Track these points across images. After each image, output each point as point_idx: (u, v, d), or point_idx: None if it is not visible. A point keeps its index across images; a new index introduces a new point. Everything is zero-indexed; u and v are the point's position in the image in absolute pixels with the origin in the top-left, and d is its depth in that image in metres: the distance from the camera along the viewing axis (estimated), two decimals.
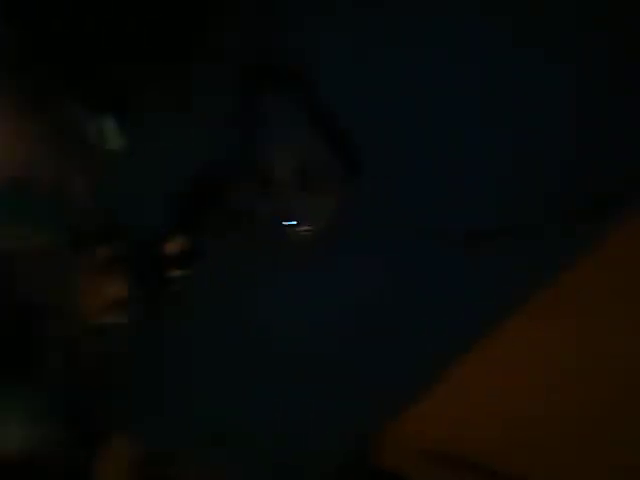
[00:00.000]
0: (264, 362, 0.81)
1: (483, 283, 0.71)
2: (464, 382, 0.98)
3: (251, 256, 0.70)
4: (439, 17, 0.61)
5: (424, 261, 0.71)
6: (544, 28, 0.58)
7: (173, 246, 0.71)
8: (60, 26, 0.63)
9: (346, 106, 0.67)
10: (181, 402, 0.87)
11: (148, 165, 0.72)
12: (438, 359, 0.78)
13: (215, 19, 0.68)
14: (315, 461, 0.89)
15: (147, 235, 0.72)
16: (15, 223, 0.66)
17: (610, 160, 0.62)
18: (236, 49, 0.69)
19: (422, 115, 0.65)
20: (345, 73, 0.66)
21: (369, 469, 1.24)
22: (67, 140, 0.65)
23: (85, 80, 0.66)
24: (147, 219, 0.72)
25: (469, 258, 0.68)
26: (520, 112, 0.61)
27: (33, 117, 0.63)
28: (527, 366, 0.97)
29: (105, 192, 0.72)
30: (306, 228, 0.68)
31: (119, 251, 0.72)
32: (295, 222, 0.68)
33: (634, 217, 0.64)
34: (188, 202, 0.71)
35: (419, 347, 0.76)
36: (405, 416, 0.86)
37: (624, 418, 0.83)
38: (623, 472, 0.84)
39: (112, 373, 0.83)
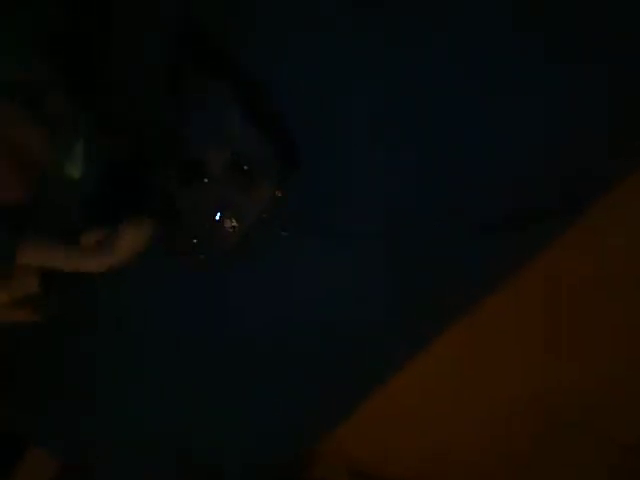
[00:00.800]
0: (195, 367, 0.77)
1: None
2: (392, 405, 0.96)
3: (174, 252, 0.66)
4: None
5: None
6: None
7: (88, 238, 0.66)
8: None
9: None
10: (103, 411, 0.83)
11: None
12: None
13: None
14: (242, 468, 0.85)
15: (62, 227, 0.67)
16: None
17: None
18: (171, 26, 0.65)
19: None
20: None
21: None
22: None
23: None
24: (61, 210, 0.67)
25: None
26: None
27: None
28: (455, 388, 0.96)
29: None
30: (233, 224, 0.64)
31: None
32: (221, 216, 0.64)
33: None
34: (107, 193, 0.66)
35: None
36: (338, 433, 0.84)
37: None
38: None
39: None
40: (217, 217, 0.64)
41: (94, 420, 0.82)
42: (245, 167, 0.63)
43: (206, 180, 0.63)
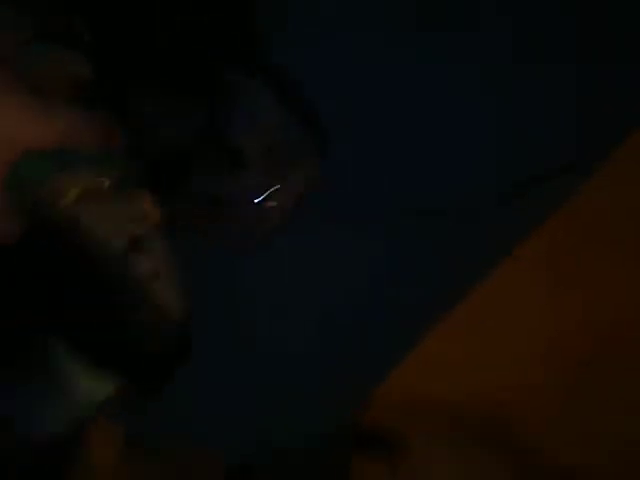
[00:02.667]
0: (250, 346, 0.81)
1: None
2: (448, 336, 1.00)
3: (219, 242, 0.69)
4: None
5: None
6: None
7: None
8: None
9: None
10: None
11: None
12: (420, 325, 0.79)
13: None
14: (303, 435, 0.90)
15: None
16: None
17: None
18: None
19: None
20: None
21: (356, 429, 1.27)
22: None
23: None
24: None
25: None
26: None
27: None
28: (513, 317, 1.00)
29: None
30: (273, 207, 0.66)
31: None
32: (262, 201, 0.66)
33: None
34: (151, 183, 0.68)
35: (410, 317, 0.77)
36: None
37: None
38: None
39: None
40: (258, 202, 0.66)
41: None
42: (281, 152, 0.65)
43: (244, 168, 0.66)
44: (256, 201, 0.66)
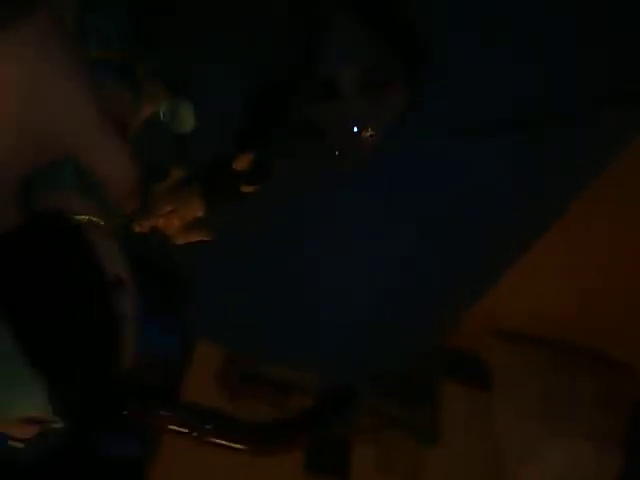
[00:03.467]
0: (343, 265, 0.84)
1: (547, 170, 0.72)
2: (535, 264, 1.02)
3: (319, 167, 0.72)
4: None
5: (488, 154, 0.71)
6: None
7: (242, 162, 0.73)
8: None
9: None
10: (257, 308, 0.92)
11: (210, 84, 0.73)
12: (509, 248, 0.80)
13: None
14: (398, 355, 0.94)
15: (216, 154, 0.74)
16: None
17: None
18: None
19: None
20: None
21: (447, 351, 1.30)
22: None
23: None
24: (214, 138, 0.74)
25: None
26: None
27: None
28: (592, 247, 1.00)
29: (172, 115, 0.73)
30: (370, 133, 0.69)
31: (191, 172, 0.75)
32: (359, 128, 0.69)
33: None
34: (253, 117, 0.72)
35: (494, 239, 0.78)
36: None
37: None
38: None
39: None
40: (355, 129, 0.69)
41: (254, 313, 0.93)
42: (375, 79, 0.67)
43: (340, 97, 0.68)
44: (353, 129, 0.69)
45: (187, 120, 0.71)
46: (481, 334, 1.59)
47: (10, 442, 0.90)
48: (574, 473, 1.61)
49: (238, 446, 1.04)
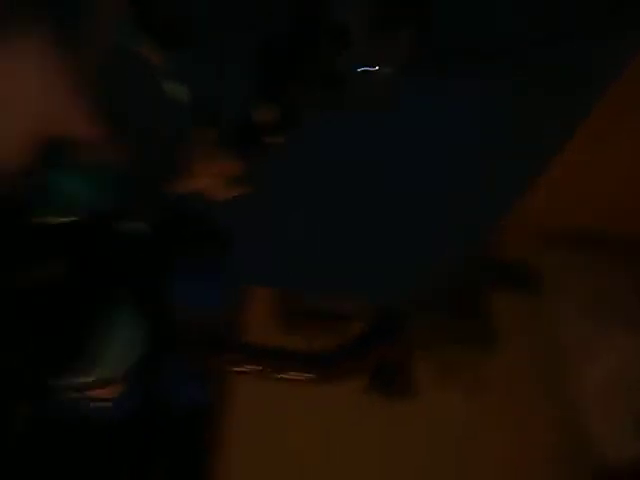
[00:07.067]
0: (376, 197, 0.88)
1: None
2: (571, 168, 1.03)
3: (341, 110, 0.75)
4: None
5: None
6: None
7: (265, 115, 0.76)
8: None
9: None
10: (299, 248, 0.97)
11: (226, 40, 0.76)
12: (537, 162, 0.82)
13: None
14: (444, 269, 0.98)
15: (239, 110, 0.77)
16: None
17: None
18: None
19: None
20: None
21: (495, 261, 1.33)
22: None
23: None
24: (235, 95, 0.77)
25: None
26: None
27: None
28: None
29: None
30: (385, 71, 0.71)
31: (221, 131, 0.78)
32: (373, 67, 0.71)
33: None
34: (270, 68, 0.74)
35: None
36: (521, 204, 0.93)
37: None
38: None
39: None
40: (370, 69, 0.71)
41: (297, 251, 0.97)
42: (385, 19, 0.69)
43: (352, 42, 0.70)
44: (368, 70, 0.71)
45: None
46: (527, 240, 1.61)
47: (95, 404, 0.97)
48: (629, 371, 1.64)
49: (301, 377, 1.11)
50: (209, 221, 0.86)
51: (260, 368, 1.06)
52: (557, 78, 0.71)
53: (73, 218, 0.76)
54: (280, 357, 1.09)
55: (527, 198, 0.94)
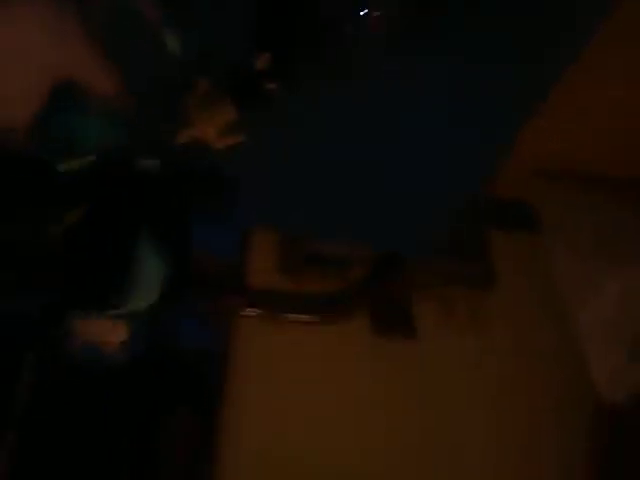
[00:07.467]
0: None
1: None
2: (567, 106, 1.04)
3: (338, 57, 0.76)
4: None
5: None
6: None
7: (262, 62, 0.77)
8: None
9: None
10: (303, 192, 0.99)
11: None
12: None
13: None
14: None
15: (237, 58, 0.78)
16: None
17: None
18: None
19: None
20: None
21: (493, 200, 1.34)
22: None
23: None
24: (231, 42, 0.77)
25: None
26: None
27: None
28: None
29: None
30: (379, 13, 0.72)
31: (217, 80, 0.79)
32: (369, 11, 0.72)
33: None
34: (268, 19, 0.75)
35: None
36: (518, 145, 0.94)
37: None
38: None
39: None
40: (364, 13, 0.72)
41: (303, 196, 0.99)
42: None
43: None
44: (362, 13, 0.71)
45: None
46: (524, 179, 1.61)
47: (104, 348, 1.00)
48: (633, 302, 1.65)
49: (307, 318, 1.13)
50: (215, 170, 0.88)
51: (265, 311, 1.09)
52: None
53: (90, 159, 0.78)
54: (284, 300, 1.12)
55: (527, 138, 0.95)
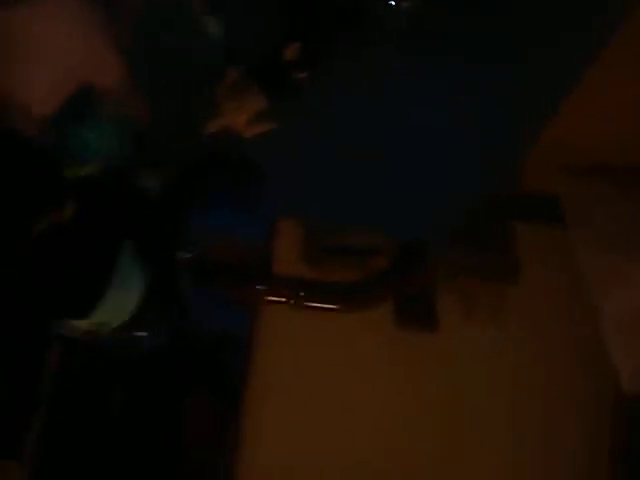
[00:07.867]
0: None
1: None
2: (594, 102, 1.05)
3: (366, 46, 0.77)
4: None
5: None
6: None
7: (290, 52, 0.78)
8: None
9: None
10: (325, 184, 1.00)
11: None
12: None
13: None
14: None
15: (266, 48, 0.79)
16: None
17: None
18: None
19: None
20: None
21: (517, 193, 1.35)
22: None
23: None
24: (261, 32, 0.79)
25: None
26: None
27: None
28: None
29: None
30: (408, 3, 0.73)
31: (247, 69, 0.80)
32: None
33: None
34: (296, 10, 0.76)
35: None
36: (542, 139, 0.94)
37: None
38: None
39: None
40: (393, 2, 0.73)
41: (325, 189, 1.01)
42: None
43: None
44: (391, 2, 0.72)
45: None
46: (550, 172, 1.60)
47: (134, 333, 1.02)
48: None
49: (331, 306, 1.14)
50: (242, 159, 0.89)
51: (289, 298, 1.10)
52: None
53: (91, 169, 0.80)
54: (311, 289, 1.14)
55: (551, 130, 0.95)
